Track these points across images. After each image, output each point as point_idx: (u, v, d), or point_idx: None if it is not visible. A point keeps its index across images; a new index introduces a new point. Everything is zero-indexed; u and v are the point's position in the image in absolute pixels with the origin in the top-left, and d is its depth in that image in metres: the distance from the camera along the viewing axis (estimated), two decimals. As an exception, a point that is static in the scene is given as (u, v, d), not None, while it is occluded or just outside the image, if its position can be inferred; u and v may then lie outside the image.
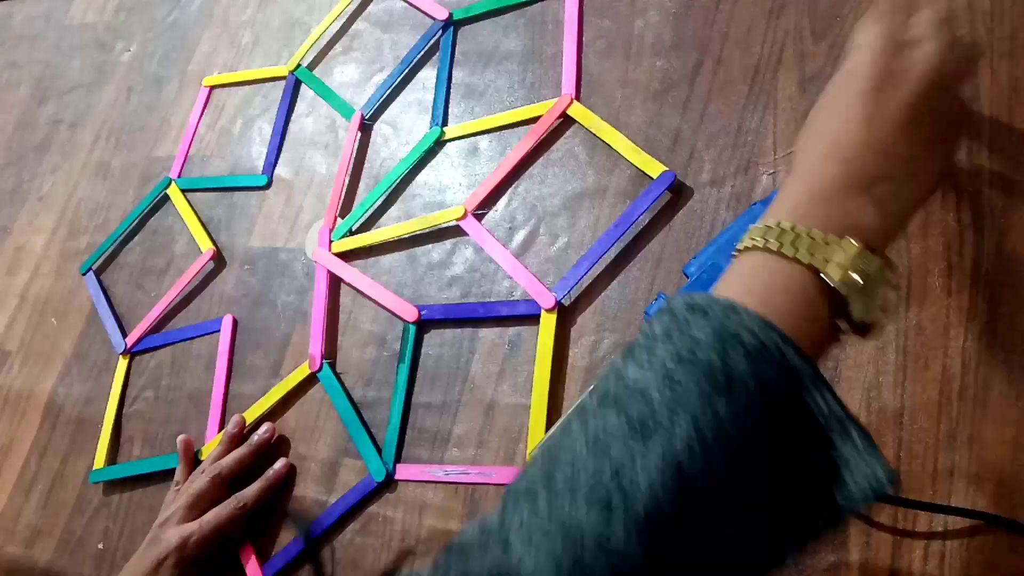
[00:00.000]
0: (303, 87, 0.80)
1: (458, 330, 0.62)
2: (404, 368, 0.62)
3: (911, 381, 0.47)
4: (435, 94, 0.72)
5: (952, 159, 0.47)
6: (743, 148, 0.56)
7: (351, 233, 0.70)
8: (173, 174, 0.83)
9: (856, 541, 0.45)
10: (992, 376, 0.45)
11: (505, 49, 0.69)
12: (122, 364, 0.77)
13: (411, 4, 0.77)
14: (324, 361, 0.66)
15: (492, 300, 0.61)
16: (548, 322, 0.58)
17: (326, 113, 0.78)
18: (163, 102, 0.89)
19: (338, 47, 0.80)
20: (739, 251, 0.36)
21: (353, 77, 0.78)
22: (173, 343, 0.75)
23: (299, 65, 0.81)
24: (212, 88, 0.86)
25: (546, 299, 0.58)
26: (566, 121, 0.64)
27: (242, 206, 0.78)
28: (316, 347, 0.66)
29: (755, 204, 0.52)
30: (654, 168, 0.58)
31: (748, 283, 0.35)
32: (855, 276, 0.33)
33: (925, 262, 0.49)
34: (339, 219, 0.71)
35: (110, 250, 0.84)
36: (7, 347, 0.86)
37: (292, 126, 0.79)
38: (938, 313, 0.47)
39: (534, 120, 0.65)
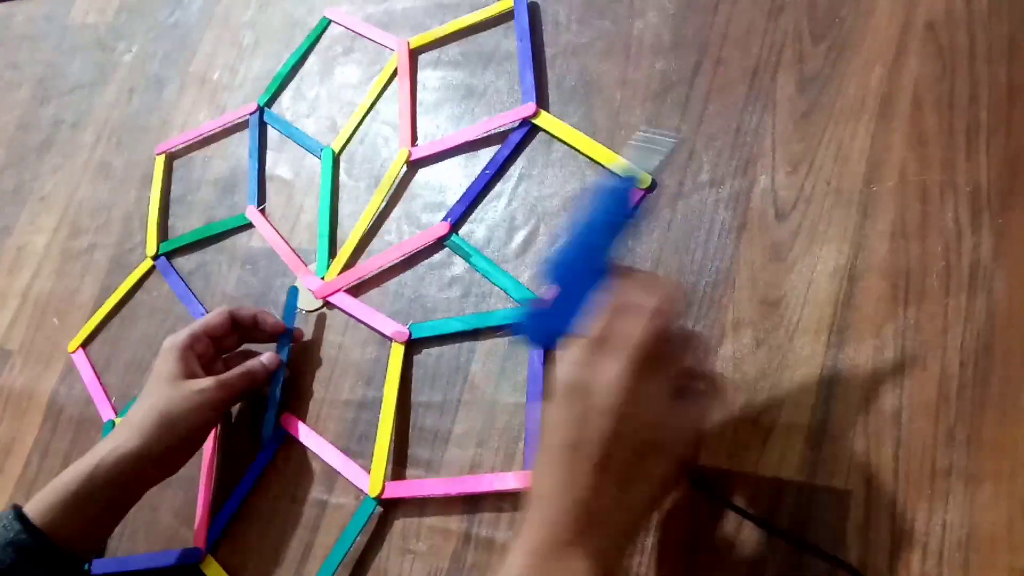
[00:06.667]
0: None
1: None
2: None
3: (909, 381, 0.47)
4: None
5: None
6: (742, 148, 0.57)
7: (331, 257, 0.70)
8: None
9: (854, 540, 0.45)
10: (990, 376, 0.45)
11: (504, 50, 0.70)
12: None
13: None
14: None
15: (492, 300, 0.61)
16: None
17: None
18: (164, 102, 0.89)
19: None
20: None
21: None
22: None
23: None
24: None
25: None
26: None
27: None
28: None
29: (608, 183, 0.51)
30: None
31: None
32: None
33: (923, 262, 0.49)
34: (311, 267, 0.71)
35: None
36: (8, 347, 0.86)
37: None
38: (936, 313, 0.47)
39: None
